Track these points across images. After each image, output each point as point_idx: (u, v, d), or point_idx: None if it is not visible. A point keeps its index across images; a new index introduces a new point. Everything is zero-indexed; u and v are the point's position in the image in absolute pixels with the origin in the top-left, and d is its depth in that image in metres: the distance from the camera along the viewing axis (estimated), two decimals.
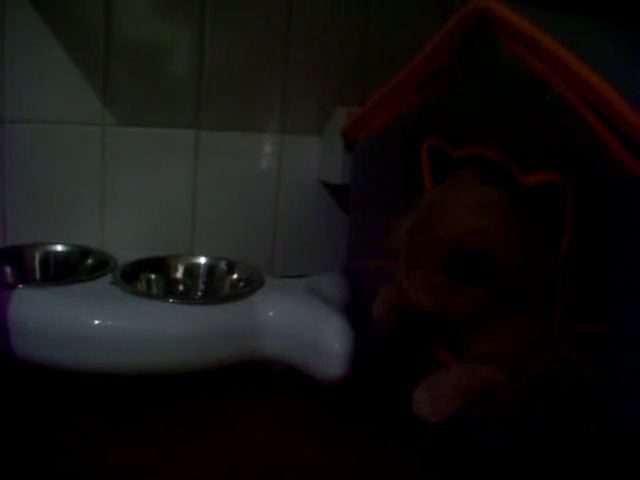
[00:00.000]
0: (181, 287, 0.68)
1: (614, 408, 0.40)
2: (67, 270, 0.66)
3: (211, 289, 0.68)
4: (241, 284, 0.66)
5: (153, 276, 0.66)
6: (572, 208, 0.43)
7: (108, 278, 0.60)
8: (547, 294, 0.47)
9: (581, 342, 0.42)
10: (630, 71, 0.44)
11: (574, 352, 0.42)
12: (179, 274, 0.68)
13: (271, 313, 0.58)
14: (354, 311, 0.64)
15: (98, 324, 0.53)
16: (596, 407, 0.41)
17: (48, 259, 0.66)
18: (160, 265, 0.67)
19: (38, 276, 0.66)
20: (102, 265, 0.63)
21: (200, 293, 0.68)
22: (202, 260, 0.69)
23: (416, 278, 0.52)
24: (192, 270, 0.68)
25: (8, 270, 0.64)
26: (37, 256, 0.66)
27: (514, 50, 0.47)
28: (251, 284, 0.62)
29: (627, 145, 0.39)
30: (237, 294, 0.61)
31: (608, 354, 0.40)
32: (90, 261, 0.66)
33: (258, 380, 0.59)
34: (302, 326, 0.57)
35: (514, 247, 0.49)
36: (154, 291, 0.65)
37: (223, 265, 0.68)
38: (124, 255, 0.65)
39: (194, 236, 0.78)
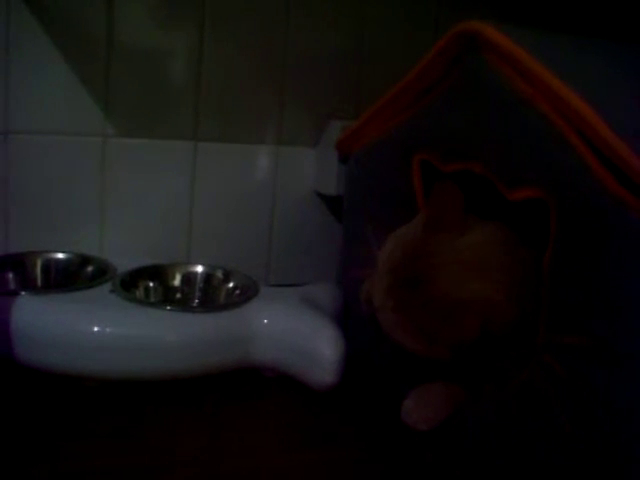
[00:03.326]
0: (178, 295, 0.69)
1: (595, 418, 0.41)
2: (67, 277, 0.67)
3: (207, 297, 0.69)
4: (237, 292, 0.67)
5: (151, 284, 0.67)
6: (555, 223, 0.44)
7: (107, 286, 0.61)
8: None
9: (563, 353, 0.43)
10: (616, 92, 0.46)
11: (557, 363, 0.44)
12: (177, 282, 0.69)
13: (265, 321, 0.59)
14: (346, 320, 0.65)
15: (97, 331, 0.54)
16: (577, 417, 0.42)
17: (49, 266, 0.68)
18: (158, 273, 0.68)
19: (40, 283, 0.67)
20: (102, 273, 0.64)
21: (197, 301, 0.69)
22: (199, 269, 0.70)
23: (401, 323, 0.51)
24: (189, 278, 0.69)
25: (10, 277, 0.65)
26: (39, 263, 0.67)
27: (501, 71, 0.48)
28: (246, 293, 0.63)
29: (607, 165, 0.40)
30: (232, 302, 0.62)
31: (589, 366, 0.42)
32: (90, 269, 0.67)
33: (251, 386, 0.60)
34: (295, 334, 0.58)
35: (512, 305, 0.48)
36: (152, 299, 0.66)
37: (219, 274, 0.69)
38: (123, 263, 0.66)
39: (191, 245, 0.80)
